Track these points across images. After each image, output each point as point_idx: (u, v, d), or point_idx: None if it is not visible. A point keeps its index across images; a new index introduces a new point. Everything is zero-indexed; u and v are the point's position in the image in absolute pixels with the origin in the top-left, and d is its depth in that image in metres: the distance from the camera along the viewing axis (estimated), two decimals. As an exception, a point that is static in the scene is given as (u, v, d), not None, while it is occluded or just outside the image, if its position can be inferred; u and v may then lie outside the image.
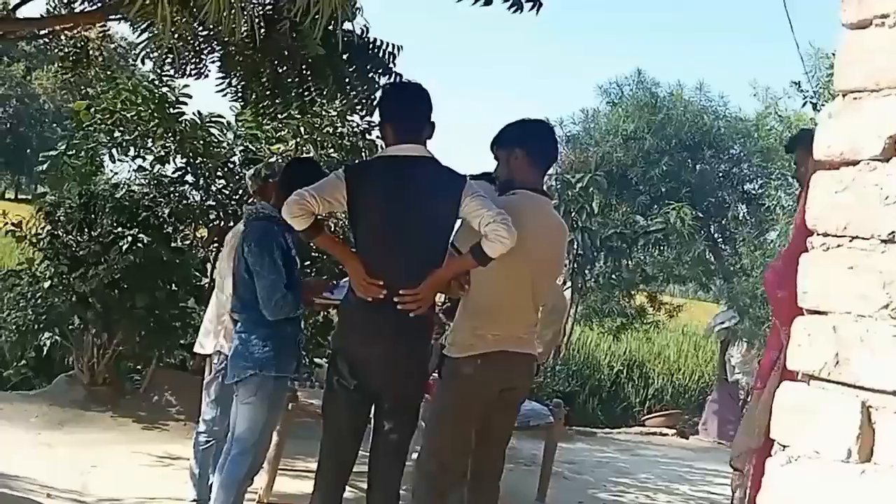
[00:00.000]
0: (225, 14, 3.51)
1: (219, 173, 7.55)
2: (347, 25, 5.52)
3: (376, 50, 5.61)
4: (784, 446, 1.58)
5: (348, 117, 7.56)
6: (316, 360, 7.58)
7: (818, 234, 1.59)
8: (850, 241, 1.52)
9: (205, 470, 4.63)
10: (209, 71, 5.65)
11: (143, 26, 5.29)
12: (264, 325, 3.86)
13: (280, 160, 6.97)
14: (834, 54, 1.62)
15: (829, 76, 9.04)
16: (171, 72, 5.78)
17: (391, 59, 5.64)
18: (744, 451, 3.53)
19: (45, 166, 7.56)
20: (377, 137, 7.41)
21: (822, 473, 1.49)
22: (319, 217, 3.42)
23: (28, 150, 39.90)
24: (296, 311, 3.98)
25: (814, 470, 1.51)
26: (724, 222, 15.10)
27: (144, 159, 7.59)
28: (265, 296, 3.81)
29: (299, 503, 4.87)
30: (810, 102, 10.19)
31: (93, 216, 7.28)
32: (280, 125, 7.46)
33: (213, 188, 7.62)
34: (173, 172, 7.61)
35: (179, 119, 7.30)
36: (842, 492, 1.45)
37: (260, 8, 5.22)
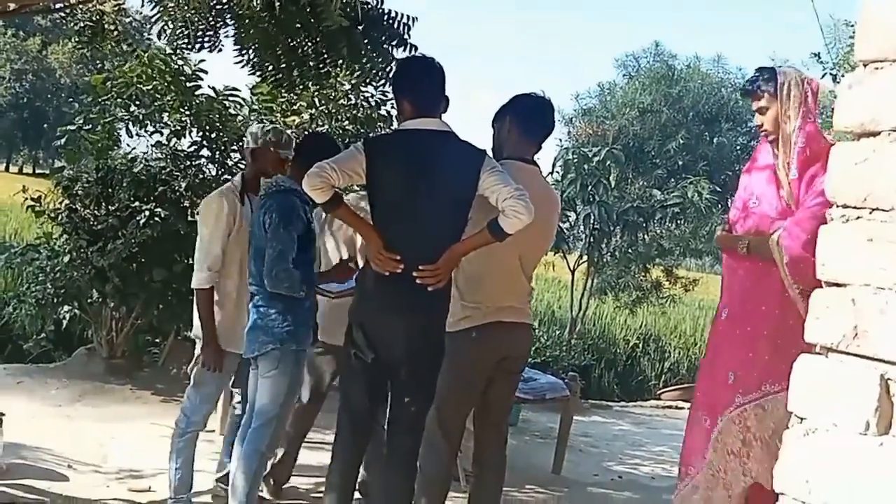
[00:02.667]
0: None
1: (234, 147, 7.55)
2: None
3: (391, 21, 5.57)
4: (802, 419, 1.58)
5: (362, 89, 7.53)
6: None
7: (837, 206, 1.58)
8: (870, 212, 1.51)
9: (186, 463, 4.25)
10: (223, 45, 5.63)
11: (157, -1, 5.28)
12: (282, 299, 3.85)
13: (295, 132, 6.97)
14: (855, 24, 1.60)
15: (849, 47, 8.93)
16: (186, 45, 5.76)
17: (406, 31, 5.60)
18: None
19: (62, 141, 7.59)
20: (392, 108, 7.40)
21: (841, 446, 1.49)
22: (339, 189, 3.43)
23: (45, 125, 40.14)
24: (299, 290, 3.85)
25: (832, 442, 1.51)
26: (741, 196, 15.00)
27: (161, 133, 7.60)
28: (269, 264, 3.78)
29: (317, 475, 4.92)
30: (830, 74, 10.08)
31: (110, 190, 7.32)
32: (295, 97, 7.45)
33: (229, 162, 7.63)
34: (189, 146, 7.61)
35: (196, 93, 7.31)
36: (860, 464, 1.45)
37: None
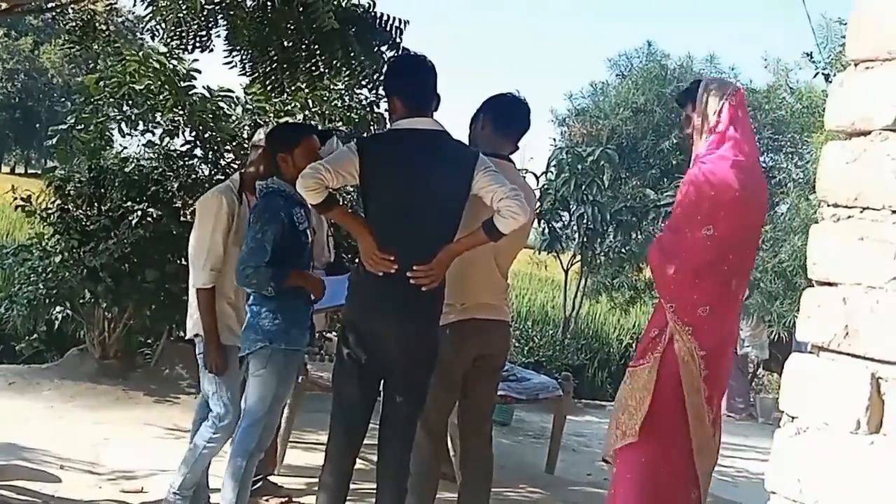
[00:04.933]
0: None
1: (227, 147, 7.53)
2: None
3: (382, 24, 5.58)
4: (792, 417, 1.58)
5: (356, 90, 7.52)
6: (326, 333, 7.61)
7: (828, 205, 1.58)
8: (861, 211, 1.51)
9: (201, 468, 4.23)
10: (213, 45, 5.62)
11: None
12: (274, 298, 3.85)
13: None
14: (846, 24, 1.60)
15: (841, 47, 8.94)
16: (178, 45, 5.73)
17: (398, 34, 5.61)
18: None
19: (54, 140, 7.55)
20: (385, 110, 7.39)
21: (831, 444, 1.49)
22: (332, 190, 3.42)
23: (37, 125, 40.06)
24: (266, 288, 3.78)
25: (822, 441, 1.51)
26: (734, 195, 14.98)
27: (153, 133, 7.58)
28: (238, 261, 3.81)
29: (310, 475, 4.91)
30: (822, 74, 10.07)
31: (102, 190, 7.31)
32: (288, 98, 7.44)
33: (222, 162, 7.61)
34: (182, 146, 7.59)
35: (189, 93, 7.29)
36: (851, 462, 1.45)
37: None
